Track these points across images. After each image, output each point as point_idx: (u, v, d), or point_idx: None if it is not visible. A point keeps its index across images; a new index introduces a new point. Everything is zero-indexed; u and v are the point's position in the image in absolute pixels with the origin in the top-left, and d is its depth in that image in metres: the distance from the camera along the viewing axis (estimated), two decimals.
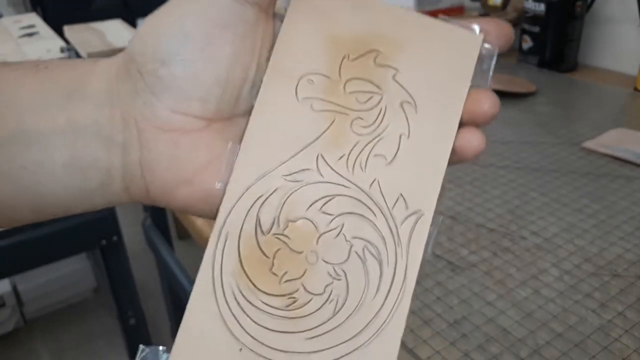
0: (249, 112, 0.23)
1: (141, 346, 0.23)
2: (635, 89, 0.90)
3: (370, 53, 0.23)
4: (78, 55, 1.10)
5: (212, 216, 0.23)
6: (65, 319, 1.43)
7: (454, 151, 0.23)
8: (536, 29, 0.98)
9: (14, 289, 1.33)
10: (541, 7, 0.95)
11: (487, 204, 0.59)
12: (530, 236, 0.54)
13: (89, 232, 1.00)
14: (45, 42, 1.14)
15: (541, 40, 0.98)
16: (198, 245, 0.67)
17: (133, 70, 0.22)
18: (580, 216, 0.57)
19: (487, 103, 0.23)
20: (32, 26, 1.25)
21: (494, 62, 0.23)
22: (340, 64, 0.23)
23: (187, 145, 0.22)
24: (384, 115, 0.23)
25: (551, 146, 0.72)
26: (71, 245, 1.01)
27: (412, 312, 0.45)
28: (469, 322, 0.44)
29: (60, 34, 1.21)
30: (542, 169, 0.66)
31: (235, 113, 0.23)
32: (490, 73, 0.23)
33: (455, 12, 1.17)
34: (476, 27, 0.23)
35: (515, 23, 1.09)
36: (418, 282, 0.48)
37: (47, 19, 1.35)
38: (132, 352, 1.19)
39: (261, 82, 0.23)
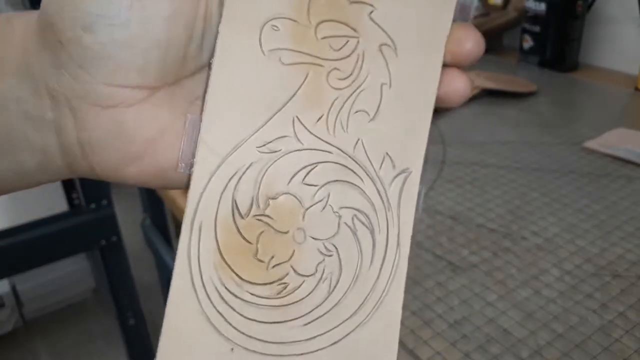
0: (199, 71, 0.20)
1: None
2: (636, 88, 0.89)
3: None
4: None
5: (169, 188, 0.21)
6: (64, 320, 1.43)
7: (437, 98, 0.20)
8: (537, 29, 0.98)
9: (13, 289, 1.33)
10: (542, 7, 0.95)
11: (487, 204, 0.59)
12: (531, 236, 0.54)
13: (88, 232, 0.99)
14: None
15: (542, 40, 0.98)
16: None
17: (52, 39, 0.18)
18: (581, 216, 0.57)
19: (470, 41, 0.20)
20: None
21: None
22: (309, 4, 0.20)
23: (130, 121, 0.19)
24: (362, 62, 0.20)
25: (552, 146, 0.72)
26: (70, 246, 1.00)
27: (412, 312, 0.45)
28: (470, 323, 0.44)
29: None
30: (542, 169, 0.66)
31: (182, 75, 0.20)
32: (473, 6, 0.21)
33: None
34: None
35: (515, 23, 1.08)
36: (418, 283, 0.48)
37: None
38: (132, 353, 1.19)
39: (212, 35, 0.20)
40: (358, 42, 0.20)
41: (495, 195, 0.61)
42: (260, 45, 0.20)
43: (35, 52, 0.19)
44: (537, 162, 0.68)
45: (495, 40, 1.13)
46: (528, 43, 1.00)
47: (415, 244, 0.52)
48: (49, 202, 0.96)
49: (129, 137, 0.19)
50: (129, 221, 1.31)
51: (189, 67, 0.20)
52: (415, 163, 0.20)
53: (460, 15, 0.19)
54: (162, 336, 0.19)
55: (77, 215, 0.98)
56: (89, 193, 0.97)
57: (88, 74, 0.18)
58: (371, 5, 0.20)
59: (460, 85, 0.20)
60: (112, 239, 1.02)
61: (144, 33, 0.18)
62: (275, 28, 0.20)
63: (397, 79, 0.20)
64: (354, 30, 0.20)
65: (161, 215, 1.12)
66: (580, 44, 0.99)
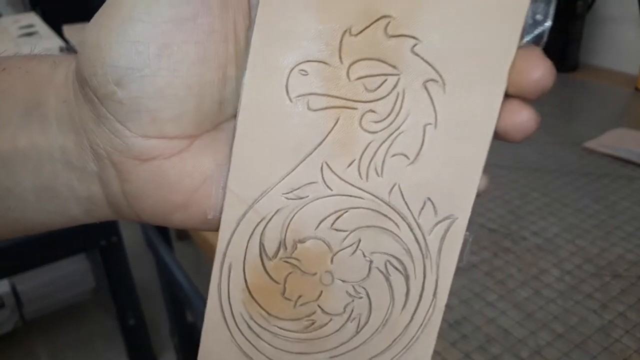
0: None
1: None
2: (637, 88, 0.89)
3: (378, 22, 0.18)
4: None
5: (216, 230, 0.21)
6: (64, 320, 1.42)
7: (495, 134, 0.18)
8: None
9: (13, 289, 1.33)
10: None
11: (487, 204, 0.59)
12: (531, 236, 0.54)
13: (88, 232, 0.99)
14: (45, 42, 1.14)
15: None
16: (197, 246, 0.66)
17: (90, 94, 0.18)
18: (581, 216, 0.57)
19: (539, 70, 0.17)
20: (31, 26, 1.25)
21: (552, 6, 0.18)
22: (341, 43, 0.18)
23: (173, 171, 0.19)
24: (402, 102, 0.18)
25: (552, 146, 0.72)
26: (70, 246, 1.01)
27: None
28: (470, 323, 0.44)
29: (60, 33, 1.21)
30: (543, 169, 0.66)
31: (221, 120, 0.19)
32: (548, 23, 0.17)
33: None
34: None
35: None
36: None
37: (46, 18, 1.35)
38: (132, 353, 1.19)
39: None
40: (398, 79, 0.18)
41: (496, 196, 0.61)
42: (287, 91, 0.18)
43: (76, 105, 0.19)
44: (537, 162, 0.68)
45: None
46: None
47: None
48: None
49: (172, 187, 0.19)
50: (129, 221, 1.31)
51: (227, 110, 0.19)
52: (462, 209, 0.19)
53: (529, 36, 0.16)
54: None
55: None
56: None
57: (125, 128, 0.18)
58: (414, 38, 0.18)
59: (523, 121, 0.18)
60: (112, 239, 1.02)
61: (175, 80, 0.18)
62: (304, 72, 0.18)
63: (445, 118, 0.18)
64: (394, 67, 0.18)
65: None
66: (581, 44, 0.99)
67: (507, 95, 0.18)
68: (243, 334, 0.20)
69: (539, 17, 0.17)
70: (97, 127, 0.18)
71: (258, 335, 0.20)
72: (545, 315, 0.44)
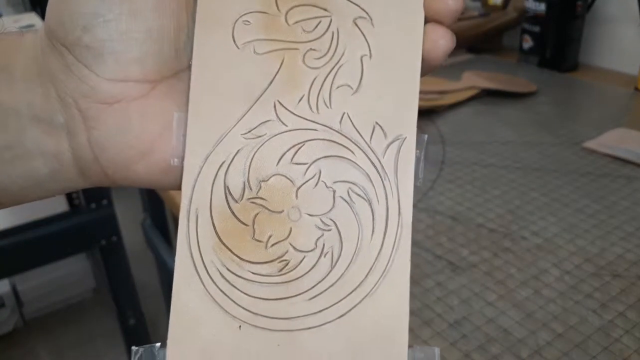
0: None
1: (134, 348, 0.21)
2: (636, 88, 0.89)
3: None
4: None
5: (178, 187, 0.21)
6: (64, 319, 1.43)
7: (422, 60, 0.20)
8: (537, 29, 0.98)
9: (14, 289, 1.33)
10: (542, 7, 0.95)
11: (487, 204, 0.59)
12: (530, 236, 0.54)
13: (88, 232, 0.99)
14: None
15: (542, 40, 0.98)
16: None
17: (57, 45, 0.20)
18: (581, 216, 0.57)
19: None
20: (31, 26, 1.25)
21: None
22: None
23: (137, 115, 0.20)
24: (337, 39, 0.20)
25: (552, 146, 0.72)
26: (71, 246, 1.01)
27: (412, 312, 0.45)
28: (470, 323, 0.44)
29: None
30: (542, 169, 0.66)
31: (178, 68, 0.21)
32: None
33: None
34: None
35: (516, 23, 1.08)
36: (417, 283, 0.48)
37: None
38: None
39: None
40: (331, 20, 0.20)
41: (495, 195, 0.61)
42: (234, 40, 0.20)
43: (44, 59, 0.20)
44: (537, 162, 0.68)
45: (495, 41, 1.13)
46: (528, 43, 1.00)
47: (415, 243, 0.52)
48: (49, 202, 0.96)
49: (136, 131, 0.20)
50: (129, 221, 1.31)
51: (183, 59, 0.21)
52: (409, 128, 0.20)
53: None
54: (170, 318, 0.20)
55: (77, 215, 0.98)
56: (89, 193, 0.97)
57: (93, 72, 0.20)
58: None
59: (442, 41, 0.20)
60: (112, 238, 1.02)
61: (136, 25, 0.19)
62: (247, 22, 0.20)
63: (378, 48, 0.20)
64: (324, 10, 0.20)
65: (161, 215, 1.12)
66: (580, 44, 0.99)
67: (426, 22, 0.20)
68: (216, 284, 0.20)
69: None
70: (66, 76, 0.20)
71: (232, 284, 0.20)
72: (545, 315, 0.44)
